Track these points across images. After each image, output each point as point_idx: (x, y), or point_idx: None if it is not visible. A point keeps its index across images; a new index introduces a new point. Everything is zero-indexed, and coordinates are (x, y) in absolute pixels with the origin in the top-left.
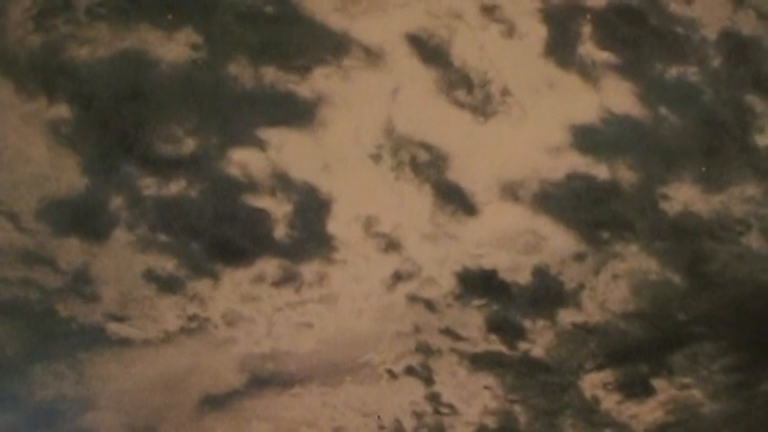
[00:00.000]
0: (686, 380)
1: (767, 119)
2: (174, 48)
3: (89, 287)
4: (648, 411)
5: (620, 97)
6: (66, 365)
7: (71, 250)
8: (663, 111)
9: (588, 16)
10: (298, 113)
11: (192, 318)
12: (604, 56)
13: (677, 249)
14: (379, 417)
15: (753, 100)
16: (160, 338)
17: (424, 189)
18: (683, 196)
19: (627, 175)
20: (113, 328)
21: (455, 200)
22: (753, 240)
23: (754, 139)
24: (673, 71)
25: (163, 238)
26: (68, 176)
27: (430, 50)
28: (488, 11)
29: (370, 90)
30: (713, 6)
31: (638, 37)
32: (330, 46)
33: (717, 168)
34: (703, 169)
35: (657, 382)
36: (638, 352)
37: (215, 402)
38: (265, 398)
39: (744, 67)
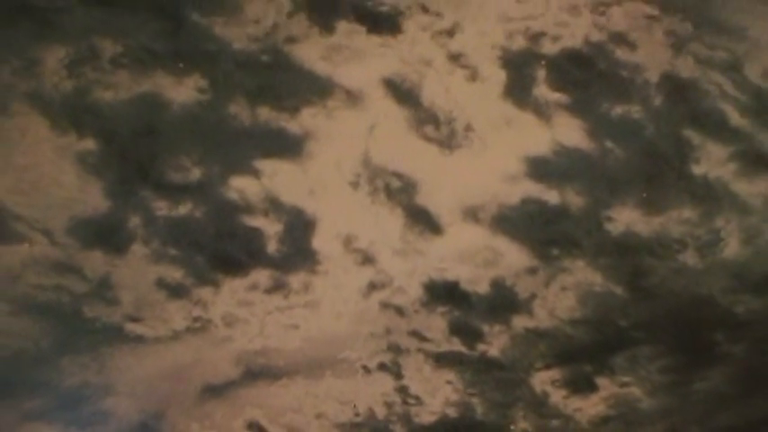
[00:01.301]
0: (626, 378)
1: (703, 151)
2: (183, 91)
3: (110, 292)
4: (591, 405)
5: (570, 132)
6: (91, 358)
7: (96, 261)
8: (609, 144)
9: (543, 62)
10: (288, 147)
11: (196, 319)
12: (557, 96)
13: (619, 265)
14: (354, 405)
15: (690, 134)
16: (169, 336)
17: (396, 211)
18: (625, 218)
19: (575, 200)
20: (130, 327)
21: (423, 221)
22: (688, 257)
23: (691, 168)
24: (618, 109)
25: (172, 251)
26: (94, 199)
27: (403, 92)
28: (454, 58)
29: (351, 127)
30: (655, 52)
31: (587, 79)
32: (316, 89)
33: (656, 194)
34: (644, 195)
35: (600, 380)
36: (583, 354)
37: (214, 391)
38: (257, 387)
39: (682, 106)
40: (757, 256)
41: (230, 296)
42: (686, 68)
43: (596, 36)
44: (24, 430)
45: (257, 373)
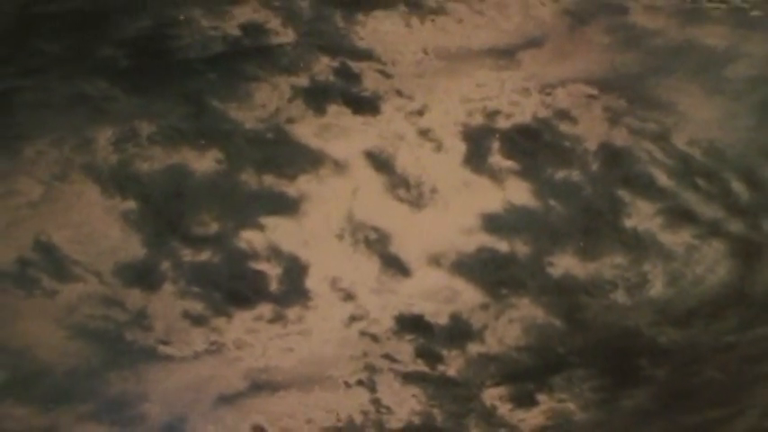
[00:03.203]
0: (563, 395)
1: (633, 207)
2: (205, 162)
3: (146, 321)
4: (533, 417)
5: (519, 193)
6: (130, 372)
7: (135, 297)
8: (552, 202)
9: (497, 135)
10: (287, 206)
11: (213, 343)
12: (509, 163)
13: (559, 302)
14: (337, 413)
15: (623, 193)
16: (192, 356)
17: (373, 258)
18: (565, 264)
19: (522, 249)
20: (161, 348)
21: (395, 266)
22: (618, 296)
23: (623, 221)
24: (561, 173)
25: (195, 289)
26: (134, 248)
27: (380, 162)
28: (423, 133)
29: (337, 190)
30: (594, 125)
31: (535, 149)
32: (310, 160)
33: (592, 243)
34: (581, 244)
35: (541, 397)
36: (527, 374)
37: (227, 400)
38: (261, 398)
39: (616, 170)
40: (679, 295)
41: (240, 325)
42: (620, 138)
43: (543, 113)
44: (78, 428)
45: (261, 386)
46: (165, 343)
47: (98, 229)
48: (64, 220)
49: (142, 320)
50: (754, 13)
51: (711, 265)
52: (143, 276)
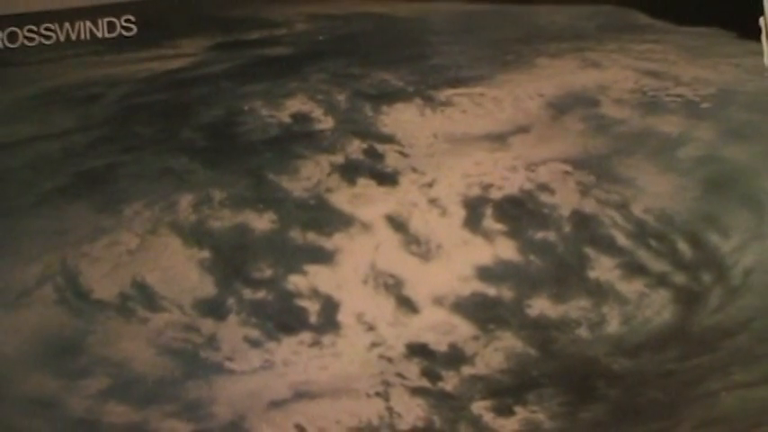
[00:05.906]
0: (535, 408)
1: (597, 262)
2: (262, 222)
3: (216, 344)
4: (511, 424)
5: (506, 250)
6: (203, 382)
7: (208, 325)
8: (532, 257)
9: (490, 204)
10: (325, 258)
11: (266, 361)
12: (498, 226)
13: (534, 336)
14: (359, 417)
15: (589, 251)
16: (250, 371)
17: (390, 299)
18: (540, 306)
19: (507, 294)
20: (227, 364)
21: (407, 305)
22: (582, 332)
23: (588, 273)
24: (539, 234)
25: (253, 320)
26: (207, 288)
27: (398, 224)
28: (432, 201)
29: (364, 245)
30: (568, 196)
31: (520, 215)
32: (344, 221)
33: (563, 290)
34: (554, 291)
35: (517, 408)
36: (507, 391)
37: (276, 404)
38: (301, 404)
39: (584, 232)
40: (630, 332)
41: (287, 348)
42: (589, 206)
43: (528, 186)
44: (164, 423)
45: (302, 394)
46: (230, 360)
47: (180, 272)
48: (154, 265)
49: (213, 343)
50: (704, 105)
51: (658, 309)
52: (214, 309)
